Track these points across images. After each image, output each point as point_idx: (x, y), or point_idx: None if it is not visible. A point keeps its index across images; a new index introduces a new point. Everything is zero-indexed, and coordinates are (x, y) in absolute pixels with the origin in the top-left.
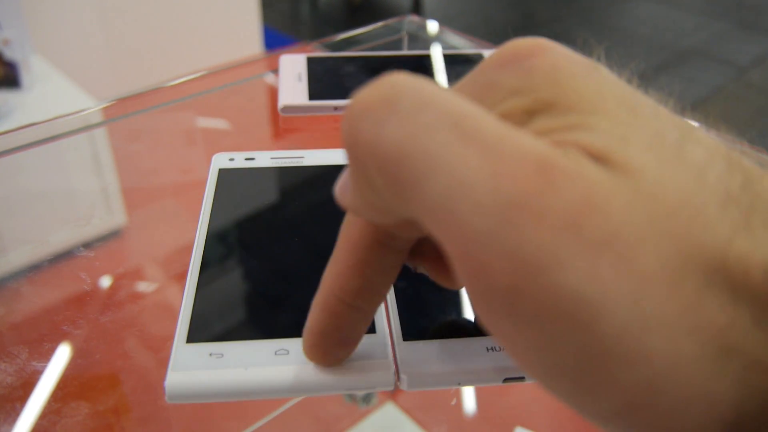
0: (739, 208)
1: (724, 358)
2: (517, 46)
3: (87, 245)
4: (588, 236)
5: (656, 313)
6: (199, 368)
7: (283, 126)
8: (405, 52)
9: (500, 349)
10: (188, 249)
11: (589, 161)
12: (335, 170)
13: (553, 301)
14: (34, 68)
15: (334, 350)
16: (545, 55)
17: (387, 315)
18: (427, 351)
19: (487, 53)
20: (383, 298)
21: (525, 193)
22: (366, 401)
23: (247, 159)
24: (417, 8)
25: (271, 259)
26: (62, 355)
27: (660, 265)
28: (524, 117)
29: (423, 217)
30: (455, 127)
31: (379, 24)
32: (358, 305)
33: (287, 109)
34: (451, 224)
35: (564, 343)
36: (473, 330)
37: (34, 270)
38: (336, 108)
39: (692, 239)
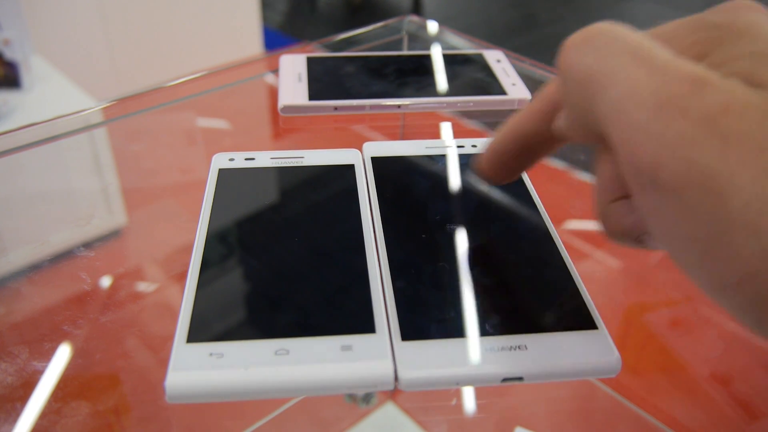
0: None
1: None
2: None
3: (87, 245)
4: (722, 130)
5: None
6: (199, 368)
7: (283, 126)
8: (405, 52)
9: (499, 350)
10: (188, 249)
11: (742, 83)
12: (335, 170)
13: (688, 172)
14: (34, 68)
15: (495, 168)
16: (754, 10)
17: (387, 315)
18: (427, 351)
19: (487, 53)
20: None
21: (677, 95)
22: (366, 401)
23: (247, 159)
24: (417, 8)
25: (271, 259)
26: (62, 355)
27: None
28: (712, 46)
29: (602, 121)
30: (633, 55)
31: (379, 24)
32: (524, 142)
33: (287, 109)
34: (621, 121)
35: (698, 212)
36: (472, 330)
37: (34, 270)
38: (336, 108)
39: None
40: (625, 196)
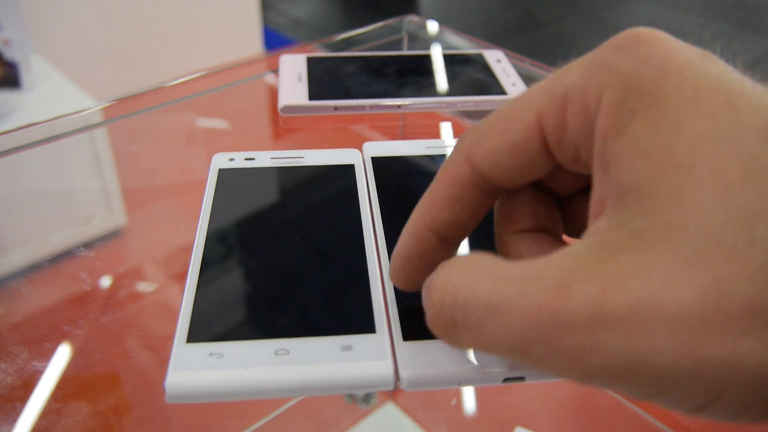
0: None
1: None
2: (637, 33)
3: (87, 245)
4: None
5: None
6: (199, 368)
7: (283, 126)
8: (405, 52)
9: None
10: (188, 249)
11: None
12: (335, 170)
13: (591, 360)
14: (34, 68)
15: (416, 275)
16: (661, 44)
17: (387, 315)
18: (427, 351)
19: (487, 53)
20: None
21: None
22: (366, 401)
23: (247, 159)
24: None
25: (271, 259)
26: (62, 355)
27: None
28: (626, 116)
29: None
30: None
31: (379, 24)
32: (444, 236)
33: (287, 109)
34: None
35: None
36: None
37: (34, 270)
38: (336, 108)
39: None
40: (526, 229)
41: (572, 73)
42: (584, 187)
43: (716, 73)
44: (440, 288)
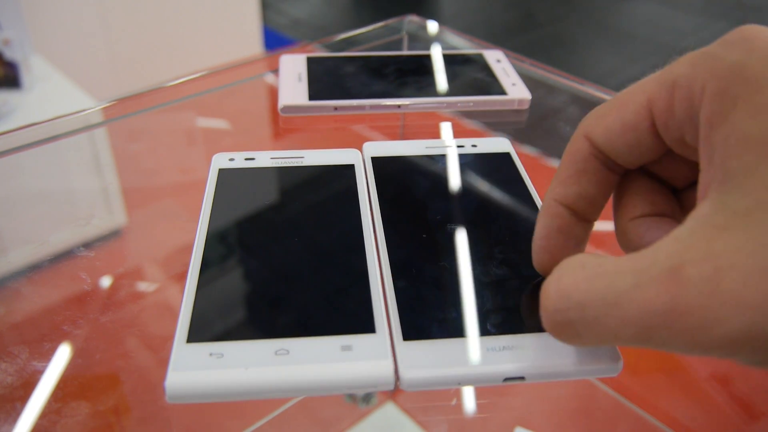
0: None
1: None
2: (745, 29)
3: (87, 245)
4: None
5: None
6: (199, 368)
7: (283, 126)
8: (405, 52)
9: (500, 349)
10: (188, 249)
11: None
12: (335, 170)
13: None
14: (34, 68)
15: (558, 254)
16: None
17: (387, 315)
18: (427, 351)
19: (487, 53)
20: (599, 210)
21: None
22: (366, 401)
23: (247, 159)
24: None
25: (271, 259)
26: (62, 355)
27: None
28: (729, 103)
29: None
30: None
31: (379, 24)
32: (575, 209)
33: (287, 109)
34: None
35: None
36: (473, 330)
37: (34, 270)
38: (336, 108)
39: None
40: (645, 215)
41: (682, 64)
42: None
43: None
44: (552, 292)
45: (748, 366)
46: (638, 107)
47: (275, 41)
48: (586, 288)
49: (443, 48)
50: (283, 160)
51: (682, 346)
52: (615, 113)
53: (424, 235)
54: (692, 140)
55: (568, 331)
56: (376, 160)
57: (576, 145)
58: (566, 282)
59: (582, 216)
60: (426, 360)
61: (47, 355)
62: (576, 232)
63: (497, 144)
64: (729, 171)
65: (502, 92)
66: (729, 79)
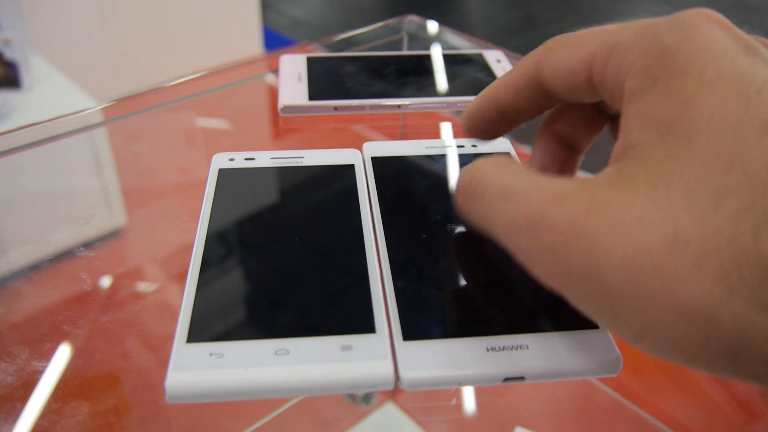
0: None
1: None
2: (697, 12)
3: (87, 245)
4: (586, 229)
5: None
6: (199, 368)
7: (283, 126)
8: (405, 52)
9: (500, 349)
10: (188, 249)
11: (601, 185)
12: (335, 170)
13: (564, 268)
14: (34, 68)
15: (477, 128)
16: (709, 28)
17: (387, 315)
18: (427, 351)
19: (487, 53)
20: (522, 122)
21: (541, 214)
22: (366, 401)
23: (247, 159)
24: None
25: (271, 259)
26: (62, 355)
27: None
28: (649, 81)
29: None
30: (502, 190)
31: (379, 24)
32: (502, 112)
33: (287, 109)
34: (511, 244)
35: (585, 304)
36: (473, 330)
37: (34, 270)
38: (336, 108)
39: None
40: (558, 134)
41: (628, 29)
42: None
43: (745, 66)
44: (473, 171)
45: (584, 311)
46: (580, 59)
47: (275, 41)
48: (497, 176)
49: (443, 48)
50: (283, 160)
51: (532, 260)
52: (563, 53)
53: (425, 235)
54: (616, 105)
55: (468, 202)
56: (376, 160)
57: (526, 64)
58: (487, 167)
59: (506, 118)
60: (426, 360)
61: (47, 355)
62: (497, 126)
63: (497, 144)
64: (631, 143)
65: None
66: (657, 60)
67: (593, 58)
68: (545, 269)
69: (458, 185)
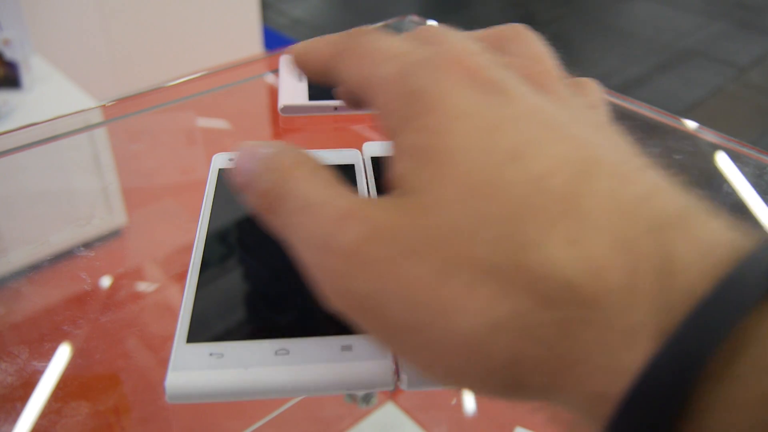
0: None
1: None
2: (439, 59)
3: (87, 245)
4: (364, 258)
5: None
6: (199, 368)
7: (283, 126)
8: None
9: None
10: (188, 249)
11: (390, 207)
12: (335, 170)
13: (345, 299)
14: (34, 68)
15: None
16: (452, 75)
17: None
18: None
19: None
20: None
21: (326, 234)
22: (366, 401)
23: None
24: None
25: (271, 259)
26: (62, 355)
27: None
28: (402, 122)
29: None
30: (301, 202)
31: (379, 24)
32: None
33: (287, 109)
34: (303, 258)
35: (371, 331)
36: None
37: (34, 270)
38: (336, 108)
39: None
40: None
41: (391, 66)
42: None
43: (485, 104)
44: (274, 173)
45: (373, 335)
46: (355, 81)
47: (275, 41)
48: (305, 181)
49: None
50: None
51: (319, 281)
52: (349, 68)
53: None
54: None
55: (258, 197)
56: (376, 160)
57: (319, 63)
58: (300, 172)
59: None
60: None
61: (47, 355)
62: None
63: None
64: (398, 173)
65: None
66: (408, 100)
67: (359, 85)
68: (331, 293)
69: (253, 186)
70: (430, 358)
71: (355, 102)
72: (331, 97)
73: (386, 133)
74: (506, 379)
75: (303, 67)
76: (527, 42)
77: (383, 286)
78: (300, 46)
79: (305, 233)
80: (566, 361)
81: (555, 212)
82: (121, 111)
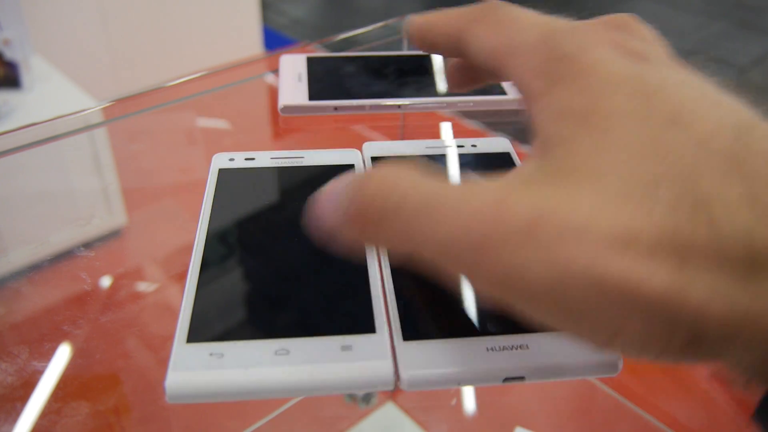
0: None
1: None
2: (586, 26)
3: (87, 245)
4: (534, 237)
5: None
6: (199, 368)
7: (283, 126)
8: (405, 52)
9: (500, 349)
10: (188, 249)
11: (540, 198)
12: (335, 170)
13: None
14: (34, 68)
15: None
16: (601, 43)
17: (387, 315)
18: (427, 351)
19: None
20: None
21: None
22: (366, 401)
23: (247, 159)
24: None
25: (271, 259)
26: (62, 355)
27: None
28: (550, 84)
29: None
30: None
31: (379, 24)
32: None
33: (287, 109)
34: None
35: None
36: (473, 330)
37: (34, 270)
38: (336, 108)
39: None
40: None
41: (532, 33)
42: None
43: (637, 71)
44: (379, 178)
45: (551, 323)
46: (489, 47)
47: (275, 41)
48: (414, 184)
49: None
50: (283, 160)
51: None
52: (481, 34)
53: None
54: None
55: (374, 223)
56: (376, 160)
57: (452, 30)
58: (397, 174)
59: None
60: (426, 360)
61: (47, 355)
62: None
63: (497, 144)
64: (550, 136)
65: (502, 92)
66: (560, 64)
67: (495, 52)
68: (498, 287)
69: (355, 200)
70: (613, 332)
71: (474, 76)
72: (331, 97)
73: (529, 97)
74: (693, 338)
75: (426, 38)
76: (639, 29)
77: (564, 269)
78: (422, 19)
79: (448, 235)
80: (750, 314)
81: (727, 171)
82: (121, 111)
